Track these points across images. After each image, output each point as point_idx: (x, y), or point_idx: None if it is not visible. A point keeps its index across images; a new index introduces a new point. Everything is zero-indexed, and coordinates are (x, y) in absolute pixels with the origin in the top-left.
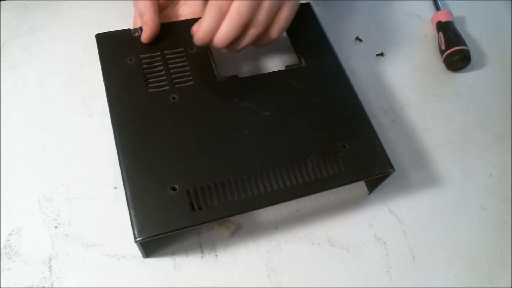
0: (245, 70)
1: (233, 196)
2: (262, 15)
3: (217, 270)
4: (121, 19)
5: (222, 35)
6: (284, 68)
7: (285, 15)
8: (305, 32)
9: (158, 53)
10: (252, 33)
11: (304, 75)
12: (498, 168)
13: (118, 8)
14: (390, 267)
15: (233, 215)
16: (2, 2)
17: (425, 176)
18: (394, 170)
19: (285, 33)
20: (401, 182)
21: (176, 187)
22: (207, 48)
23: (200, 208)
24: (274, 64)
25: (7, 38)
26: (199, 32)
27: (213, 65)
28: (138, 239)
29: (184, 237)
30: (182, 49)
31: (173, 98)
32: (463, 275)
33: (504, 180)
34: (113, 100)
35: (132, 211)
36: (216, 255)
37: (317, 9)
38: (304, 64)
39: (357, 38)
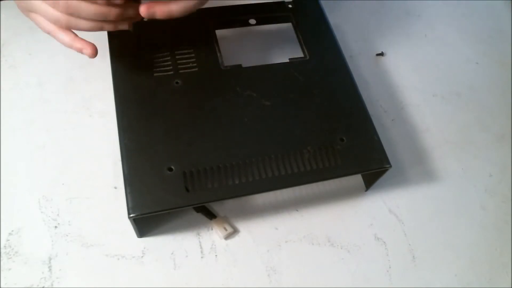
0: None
1: (228, 181)
2: None
3: (217, 270)
4: None
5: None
6: (288, 61)
7: None
8: (312, 26)
9: (166, 39)
10: None
11: (307, 68)
12: (498, 168)
13: None
14: (390, 267)
15: (227, 199)
16: (2, 2)
17: (425, 176)
18: (391, 166)
19: (291, 26)
20: (401, 181)
21: (173, 167)
22: (213, 37)
23: (194, 190)
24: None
25: (7, 38)
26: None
27: (218, 54)
28: (131, 215)
29: (184, 237)
30: (189, 36)
31: (177, 82)
32: (463, 275)
33: (504, 180)
34: (118, 82)
35: (127, 188)
36: (216, 255)
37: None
38: (308, 57)
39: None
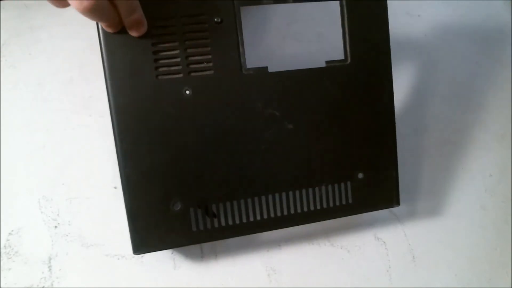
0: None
1: (235, 219)
2: None
3: (217, 270)
4: None
5: None
6: (324, 65)
7: None
8: (365, 26)
9: (173, 20)
10: None
11: (344, 76)
12: (498, 168)
13: None
14: (390, 267)
15: (235, 237)
16: (2, 2)
17: (425, 176)
18: (399, 205)
19: (336, 17)
20: (401, 182)
21: (179, 203)
22: (237, 23)
23: (199, 229)
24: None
25: (7, 38)
26: None
27: (241, 49)
28: (136, 253)
29: None
30: (205, 17)
31: (186, 91)
32: (463, 275)
33: (504, 180)
34: (114, 90)
35: (130, 224)
36: (216, 255)
37: (315, 9)
38: (349, 61)
39: None
